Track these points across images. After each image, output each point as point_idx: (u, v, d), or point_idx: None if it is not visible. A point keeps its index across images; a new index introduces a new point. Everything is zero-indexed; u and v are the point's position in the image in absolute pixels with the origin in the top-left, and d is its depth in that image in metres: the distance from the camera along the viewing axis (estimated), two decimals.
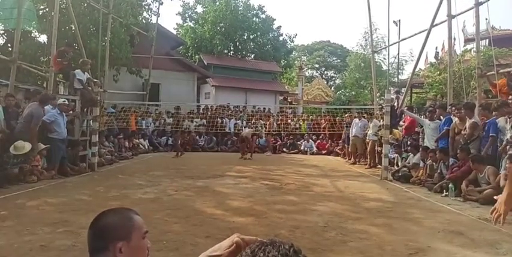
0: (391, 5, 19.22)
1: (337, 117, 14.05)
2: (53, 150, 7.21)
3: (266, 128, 14.69)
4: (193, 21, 28.16)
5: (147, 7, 15.81)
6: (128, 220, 1.26)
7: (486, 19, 14.20)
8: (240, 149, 12.59)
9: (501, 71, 7.89)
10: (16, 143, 6.34)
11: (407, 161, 8.30)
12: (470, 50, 17.00)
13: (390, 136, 8.81)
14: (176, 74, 19.26)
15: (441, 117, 7.77)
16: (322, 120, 15.13)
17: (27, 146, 6.45)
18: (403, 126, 9.63)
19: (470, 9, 8.45)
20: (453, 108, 7.56)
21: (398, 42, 15.43)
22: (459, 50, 16.83)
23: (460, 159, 6.55)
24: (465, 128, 6.76)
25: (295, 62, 33.61)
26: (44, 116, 7.24)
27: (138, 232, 1.25)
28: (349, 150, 11.64)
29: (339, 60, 42.70)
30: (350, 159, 11.61)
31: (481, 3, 8.06)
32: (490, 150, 6.12)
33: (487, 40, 15.82)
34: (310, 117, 16.54)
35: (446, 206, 5.41)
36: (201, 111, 16.61)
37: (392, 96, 9.60)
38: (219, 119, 14.76)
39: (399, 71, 26.44)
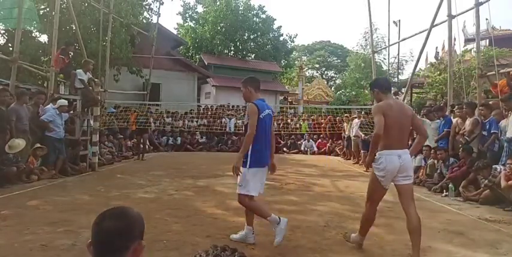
0: (391, 5, 19.25)
1: (338, 117, 14.07)
2: (48, 149, 7.20)
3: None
4: (193, 21, 28.19)
5: (147, 7, 15.85)
6: (142, 217, 1.19)
7: (486, 19, 14.24)
8: None
9: (501, 71, 7.90)
10: (10, 143, 6.34)
11: None
12: (471, 50, 17.01)
13: None
14: (177, 74, 19.29)
15: (441, 118, 7.78)
16: (323, 120, 15.13)
17: (22, 142, 6.45)
18: None
19: (471, 9, 8.44)
20: (455, 108, 7.62)
21: (398, 42, 15.47)
22: (459, 50, 16.84)
23: (461, 158, 6.57)
24: (463, 128, 6.88)
25: (296, 62, 33.63)
26: (43, 116, 7.26)
27: None
28: (352, 150, 11.63)
29: (339, 60, 42.74)
30: (349, 159, 11.62)
31: (481, 3, 8.05)
32: (495, 147, 6.15)
33: (487, 40, 15.86)
34: (312, 117, 16.55)
35: (446, 206, 5.41)
36: (201, 111, 16.63)
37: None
38: (218, 120, 14.76)
39: (399, 71, 26.49)
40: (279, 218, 3.40)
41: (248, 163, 3.44)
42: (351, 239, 3.51)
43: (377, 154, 3.26)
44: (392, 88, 3.74)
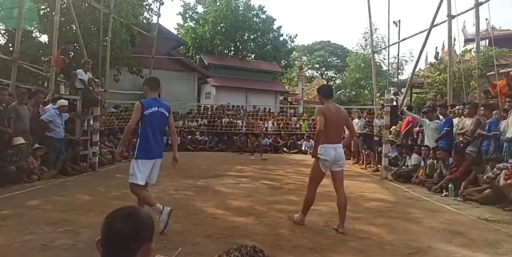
0: (391, 5, 19.25)
1: None
2: (48, 149, 7.20)
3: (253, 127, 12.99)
4: (193, 21, 28.17)
5: (147, 7, 15.85)
6: (152, 219, 1.16)
7: (486, 19, 14.26)
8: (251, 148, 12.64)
9: (501, 71, 7.91)
10: (14, 138, 6.36)
11: (406, 163, 8.30)
12: (470, 50, 17.02)
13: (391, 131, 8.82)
14: (177, 74, 19.29)
15: (440, 117, 7.79)
16: None
17: (22, 140, 6.47)
18: (404, 122, 9.65)
19: (470, 9, 8.45)
20: (455, 107, 7.63)
21: (398, 42, 15.47)
22: (459, 50, 16.87)
23: (454, 160, 6.59)
24: (460, 128, 6.96)
25: (296, 62, 33.62)
26: (43, 116, 7.26)
27: None
28: (352, 150, 11.62)
29: (339, 61, 42.71)
30: (349, 159, 11.61)
31: (481, 4, 8.06)
32: (493, 149, 6.16)
33: (487, 40, 15.86)
34: (312, 117, 16.54)
35: (446, 206, 5.42)
36: (201, 111, 16.65)
37: (392, 97, 9.61)
38: (218, 120, 14.76)
39: (399, 71, 26.52)
40: (163, 208, 3.75)
41: (136, 154, 3.93)
42: (294, 219, 4.19)
43: (319, 146, 4.17)
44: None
